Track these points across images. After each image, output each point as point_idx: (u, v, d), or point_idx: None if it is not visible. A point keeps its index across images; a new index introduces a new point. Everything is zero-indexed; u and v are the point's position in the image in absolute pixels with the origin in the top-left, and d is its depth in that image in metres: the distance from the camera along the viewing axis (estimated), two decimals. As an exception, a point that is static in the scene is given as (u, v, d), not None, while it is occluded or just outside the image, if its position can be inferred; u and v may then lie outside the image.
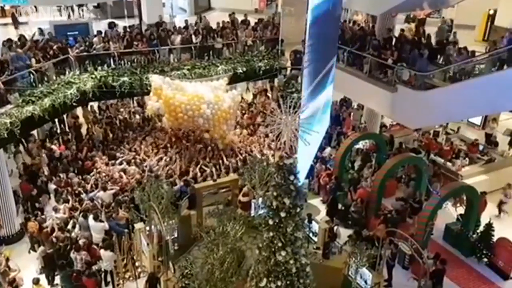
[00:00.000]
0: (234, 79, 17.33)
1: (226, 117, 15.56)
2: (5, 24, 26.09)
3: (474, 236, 12.99)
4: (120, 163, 14.86)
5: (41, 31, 17.30)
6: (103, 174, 14.25)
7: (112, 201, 12.94)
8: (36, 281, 10.57)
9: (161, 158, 15.15)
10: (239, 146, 16.04)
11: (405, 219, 13.62)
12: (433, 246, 12.70)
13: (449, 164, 16.17)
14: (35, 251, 12.29)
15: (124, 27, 17.73)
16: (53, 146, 15.97)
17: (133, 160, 14.93)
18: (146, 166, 14.60)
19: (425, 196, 14.49)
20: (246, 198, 11.91)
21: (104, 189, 13.29)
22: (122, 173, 14.26)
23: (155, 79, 15.32)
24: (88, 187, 13.73)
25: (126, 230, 12.05)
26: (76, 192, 13.48)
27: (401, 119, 15.31)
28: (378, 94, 14.52)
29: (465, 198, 13.55)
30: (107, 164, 14.86)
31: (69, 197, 13.18)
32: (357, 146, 16.85)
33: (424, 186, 14.63)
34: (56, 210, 12.65)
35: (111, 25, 17.35)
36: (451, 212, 14.38)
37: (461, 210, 13.96)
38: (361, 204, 13.84)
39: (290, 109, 6.14)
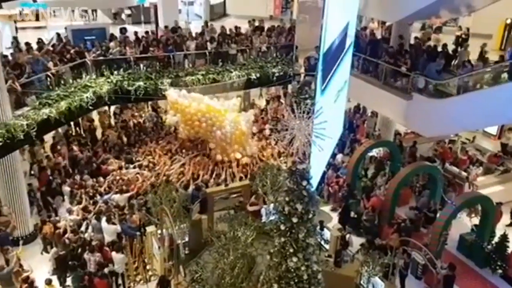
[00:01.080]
0: (247, 85, 17.38)
1: (242, 140, 15.57)
2: (38, 27, 26.58)
3: (489, 247, 12.77)
4: (134, 167, 14.97)
5: (58, 36, 17.57)
6: (118, 177, 14.35)
7: (126, 204, 13.03)
8: (48, 282, 10.64)
9: (173, 162, 15.22)
10: (260, 157, 15.88)
11: (418, 229, 13.45)
12: (447, 257, 12.50)
13: (464, 174, 15.96)
14: (47, 252, 12.39)
15: (135, 32, 17.91)
16: (74, 147, 16.19)
17: (149, 164, 15.03)
18: (160, 170, 14.67)
19: (439, 206, 14.30)
20: (254, 208, 11.87)
21: (121, 192, 13.39)
22: (138, 176, 14.37)
23: (170, 94, 15.44)
24: (102, 189, 13.84)
25: (138, 233, 12.10)
26: (91, 194, 13.59)
27: (415, 127, 15.20)
28: (393, 102, 14.43)
29: (480, 208, 13.35)
30: (120, 168, 14.97)
31: (83, 199, 13.29)
32: (370, 154, 16.71)
33: (438, 196, 14.44)
34: (70, 212, 12.77)
35: (122, 31, 17.57)
36: (465, 222, 14.16)
37: (476, 220, 13.75)
38: (373, 213, 13.71)
39: (304, 114, 6.13)
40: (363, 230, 13.65)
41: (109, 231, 12.03)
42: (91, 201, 13.29)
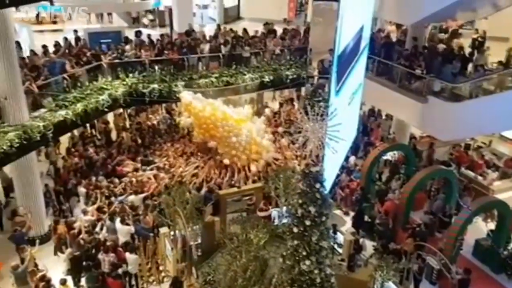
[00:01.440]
0: (260, 87, 17.41)
1: (258, 152, 15.53)
2: (55, 31, 27.00)
3: (505, 252, 12.56)
4: (151, 169, 15.08)
5: (75, 32, 17.81)
6: (134, 179, 14.46)
7: (141, 205, 13.12)
8: (63, 282, 10.75)
9: (188, 164, 15.28)
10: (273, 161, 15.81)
11: (433, 233, 13.28)
12: (462, 262, 12.31)
13: (480, 178, 15.74)
14: (62, 252, 12.53)
15: (148, 35, 18.04)
16: (90, 149, 16.40)
17: (164, 166, 15.16)
18: (174, 172, 14.73)
19: (455, 210, 14.11)
20: (264, 213, 11.82)
21: (135, 193, 13.49)
22: (153, 177, 14.49)
23: (184, 96, 15.51)
24: (117, 190, 13.96)
25: (151, 234, 12.17)
26: (106, 194, 13.71)
27: (431, 130, 15.06)
28: (408, 105, 14.33)
29: (496, 213, 13.14)
30: (136, 169, 15.09)
31: (99, 199, 13.42)
32: (385, 157, 16.57)
33: (454, 200, 14.26)
34: (85, 212, 12.90)
35: (138, 34, 17.76)
36: (481, 227, 13.94)
37: (492, 225, 13.54)
38: (387, 217, 13.57)
39: (317, 117, 6.11)
40: (377, 234, 13.53)
41: (123, 231, 12.12)
42: (106, 202, 13.41)
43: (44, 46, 15.69)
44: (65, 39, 17.28)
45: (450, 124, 13.47)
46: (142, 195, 13.46)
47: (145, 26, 29.43)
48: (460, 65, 14.54)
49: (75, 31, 18.03)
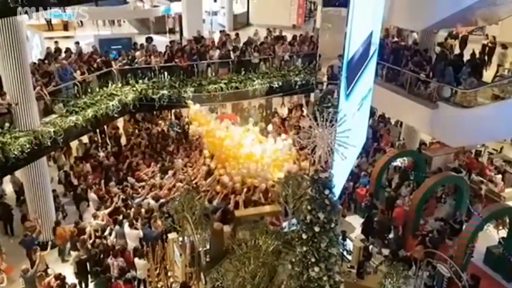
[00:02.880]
0: (269, 93, 17.44)
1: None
2: (67, 37, 27.27)
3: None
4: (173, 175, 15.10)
5: (77, 44, 17.92)
6: (155, 184, 14.58)
7: (157, 210, 13.17)
8: (73, 286, 10.81)
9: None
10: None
11: (444, 240, 13.14)
12: (473, 269, 12.15)
13: (491, 185, 15.56)
14: (69, 254, 12.65)
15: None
16: (100, 154, 16.58)
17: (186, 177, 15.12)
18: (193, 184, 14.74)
19: (465, 217, 13.96)
20: (275, 228, 11.73)
21: (154, 198, 13.55)
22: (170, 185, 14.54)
23: (192, 107, 15.51)
24: (137, 193, 14.16)
25: (160, 240, 12.19)
26: (123, 197, 13.80)
27: (441, 136, 14.96)
28: (418, 111, 14.25)
29: (507, 220, 12.97)
30: (153, 175, 15.19)
31: (116, 201, 13.55)
32: (395, 164, 16.45)
33: (464, 206, 14.10)
34: (95, 216, 12.98)
35: (148, 40, 17.90)
36: (492, 234, 13.76)
37: (503, 233, 13.36)
38: (397, 224, 13.46)
39: (326, 123, 6.09)
40: (386, 241, 13.43)
41: (132, 236, 12.18)
42: (122, 204, 13.52)
43: (57, 51, 15.87)
44: (77, 43, 17.46)
45: (460, 130, 13.36)
46: (160, 201, 13.44)
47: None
48: (471, 71, 14.46)
49: (77, 43, 18.03)
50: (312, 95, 20.04)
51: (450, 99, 13.80)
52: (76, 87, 14.26)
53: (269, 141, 16.15)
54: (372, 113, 18.90)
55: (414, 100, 14.46)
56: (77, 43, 17.59)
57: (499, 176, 15.88)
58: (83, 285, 11.83)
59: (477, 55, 17.72)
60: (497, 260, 12.67)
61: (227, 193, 13.91)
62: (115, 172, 15.57)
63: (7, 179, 15.42)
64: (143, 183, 14.76)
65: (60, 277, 11.03)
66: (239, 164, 14.55)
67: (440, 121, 13.65)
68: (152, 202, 13.50)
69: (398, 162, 16.66)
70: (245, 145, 15.07)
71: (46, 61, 14.94)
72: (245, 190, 13.84)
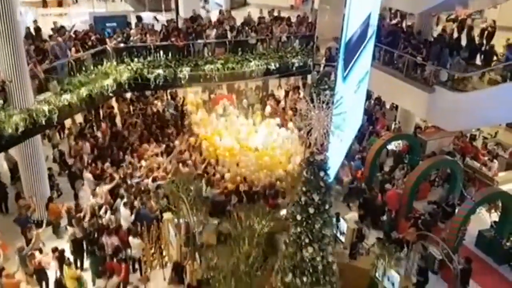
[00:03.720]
0: (266, 74, 17.30)
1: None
2: (60, 15, 26.82)
3: (508, 243, 12.55)
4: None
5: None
6: (155, 164, 14.58)
7: (154, 190, 13.20)
8: (68, 263, 10.87)
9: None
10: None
11: (436, 223, 13.29)
12: (464, 252, 12.31)
13: (484, 169, 15.68)
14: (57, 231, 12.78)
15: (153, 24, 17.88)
16: (98, 133, 16.55)
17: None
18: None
19: (458, 201, 14.10)
20: None
21: (153, 179, 13.54)
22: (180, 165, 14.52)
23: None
24: (136, 173, 14.17)
25: (154, 220, 12.24)
26: (122, 176, 13.83)
27: (437, 121, 14.98)
28: (414, 94, 14.23)
29: (500, 204, 13.11)
30: (156, 155, 15.22)
31: (115, 179, 13.56)
32: (389, 147, 16.51)
33: (458, 190, 14.23)
34: (94, 195, 13.02)
35: (139, 19, 17.65)
36: (485, 218, 13.93)
37: (495, 216, 13.51)
38: (390, 207, 13.56)
39: (323, 105, 6.07)
40: (380, 224, 13.56)
41: (125, 216, 12.23)
42: (121, 182, 13.57)
43: (54, 29, 15.62)
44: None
45: (456, 114, 13.37)
46: (160, 182, 13.41)
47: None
48: (469, 55, 14.42)
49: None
50: (309, 77, 19.95)
51: (446, 83, 13.78)
52: (70, 65, 14.06)
53: (275, 132, 16.34)
54: (368, 96, 18.88)
55: (411, 84, 14.42)
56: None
57: (496, 162, 15.95)
58: (79, 263, 11.90)
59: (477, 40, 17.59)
60: (489, 244, 12.85)
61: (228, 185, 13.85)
62: (116, 151, 15.57)
63: (0, 157, 15.38)
64: (143, 163, 14.73)
65: (58, 250, 11.12)
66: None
67: (436, 105, 13.64)
68: (150, 182, 13.50)
69: (392, 146, 16.73)
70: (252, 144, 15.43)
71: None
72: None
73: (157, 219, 12.34)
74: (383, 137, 15.70)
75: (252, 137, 16.17)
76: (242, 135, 16.24)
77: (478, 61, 15.31)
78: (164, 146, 15.70)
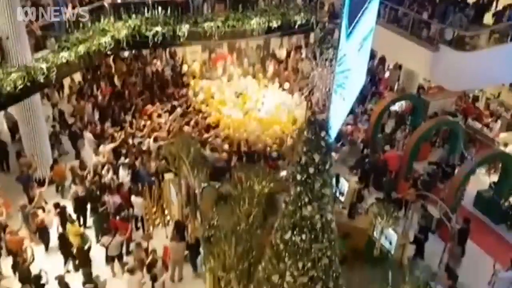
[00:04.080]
0: (267, 33, 16.90)
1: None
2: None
3: (506, 204, 12.67)
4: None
5: None
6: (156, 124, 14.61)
7: (155, 151, 13.23)
8: (71, 221, 11.02)
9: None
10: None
11: (436, 183, 13.35)
12: (462, 212, 12.47)
13: (486, 130, 15.62)
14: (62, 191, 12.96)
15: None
16: (99, 94, 16.41)
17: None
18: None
19: (458, 162, 14.12)
20: None
21: (155, 140, 13.53)
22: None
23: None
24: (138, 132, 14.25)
25: (153, 179, 12.29)
26: (124, 136, 13.85)
27: (441, 80, 14.77)
28: (418, 54, 13.96)
29: (500, 165, 13.13)
30: (159, 115, 15.20)
31: (117, 139, 13.65)
32: (393, 108, 16.30)
33: (458, 151, 14.21)
34: (96, 154, 13.06)
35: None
36: (484, 179, 13.99)
37: (495, 177, 13.57)
38: (389, 167, 13.58)
39: (326, 63, 5.92)
40: (379, 184, 13.61)
41: (122, 175, 12.33)
42: (124, 141, 13.64)
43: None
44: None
45: (460, 73, 13.17)
46: (161, 143, 13.36)
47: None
48: (475, 14, 14.05)
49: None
50: (312, 35, 19.52)
51: (451, 42, 13.49)
52: (67, 22, 13.72)
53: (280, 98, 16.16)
54: (372, 56, 18.55)
55: (415, 42, 14.12)
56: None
57: (499, 122, 15.84)
58: (82, 221, 12.05)
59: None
60: (487, 204, 12.97)
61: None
62: (117, 111, 15.53)
63: (1, 115, 15.31)
64: (145, 122, 14.72)
65: (60, 206, 11.26)
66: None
67: (440, 64, 13.42)
68: (151, 142, 13.49)
69: (396, 107, 16.54)
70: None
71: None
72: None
73: (158, 179, 12.42)
74: (386, 98, 15.53)
75: (257, 105, 15.99)
76: (247, 103, 16.04)
77: (485, 21, 14.95)
78: (169, 105, 15.62)
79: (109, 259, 10.84)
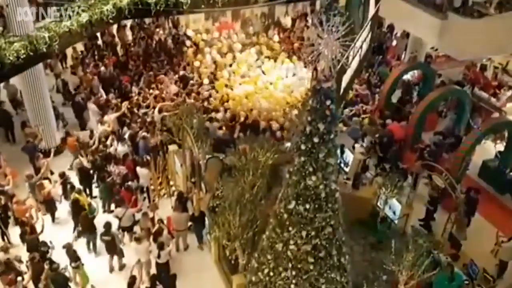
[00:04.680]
0: (272, 0, 16.51)
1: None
2: None
3: (511, 173, 12.62)
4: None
5: None
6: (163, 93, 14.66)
7: (159, 122, 13.23)
8: (78, 191, 11.13)
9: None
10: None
11: (441, 154, 13.26)
12: (467, 182, 12.42)
13: (493, 99, 15.42)
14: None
15: None
16: (102, 68, 16.24)
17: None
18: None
19: (464, 132, 14.00)
20: None
21: (160, 110, 13.51)
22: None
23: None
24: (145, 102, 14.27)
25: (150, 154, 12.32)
26: (128, 107, 13.89)
27: (449, 49, 14.51)
28: (427, 21, 13.66)
29: (506, 134, 13.00)
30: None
31: (123, 106, 13.68)
32: (404, 77, 15.97)
33: (464, 121, 14.07)
34: (101, 122, 13.10)
35: None
36: (490, 148, 13.88)
37: (501, 147, 13.47)
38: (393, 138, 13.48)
39: (332, 28, 5.76)
40: (384, 155, 13.51)
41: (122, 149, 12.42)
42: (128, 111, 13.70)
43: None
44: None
45: (469, 42, 12.89)
46: (165, 114, 13.33)
47: None
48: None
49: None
50: (317, 2, 19.10)
51: (460, 10, 13.18)
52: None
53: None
54: (380, 24, 18.19)
55: (424, 10, 13.78)
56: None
57: (509, 92, 15.59)
58: (88, 191, 12.15)
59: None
60: (492, 173, 12.92)
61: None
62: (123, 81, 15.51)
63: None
64: (153, 92, 14.73)
65: (64, 176, 11.39)
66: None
67: (449, 33, 13.13)
68: (156, 113, 13.47)
69: (408, 76, 16.19)
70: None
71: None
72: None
73: (163, 151, 12.44)
74: (399, 68, 15.26)
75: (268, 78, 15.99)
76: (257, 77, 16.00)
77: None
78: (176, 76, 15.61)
79: (122, 229, 10.84)
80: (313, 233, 6.69)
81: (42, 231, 10.13)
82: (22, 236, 10.34)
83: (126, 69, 16.38)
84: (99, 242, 10.55)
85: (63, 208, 11.60)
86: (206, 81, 15.74)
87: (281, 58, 17.06)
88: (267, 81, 15.93)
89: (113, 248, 10.18)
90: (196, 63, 16.64)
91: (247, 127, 13.28)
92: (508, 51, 16.34)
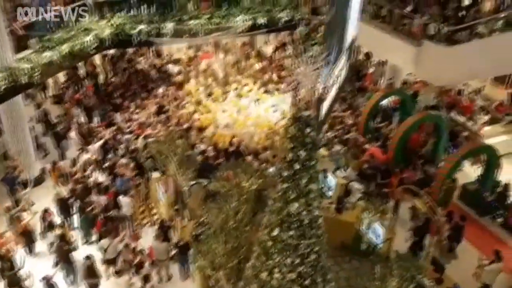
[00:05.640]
0: (253, 30, 16.85)
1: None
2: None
3: (490, 197, 12.84)
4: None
5: None
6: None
7: (142, 150, 13.21)
8: (61, 225, 10.95)
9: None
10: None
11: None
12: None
13: (469, 123, 15.80)
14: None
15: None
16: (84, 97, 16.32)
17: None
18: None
19: (443, 155, 14.25)
20: None
21: (145, 137, 13.57)
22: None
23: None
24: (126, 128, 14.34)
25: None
26: (114, 133, 13.95)
27: (425, 75, 14.92)
28: (403, 49, 14.10)
29: (484, 158, 13.29)
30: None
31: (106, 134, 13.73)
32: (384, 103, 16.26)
33: (442, 147, 14.32)
34: (85, 150, 13.04)
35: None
36: (469, 172, 14.14)
37: (480, 171, 13.72)
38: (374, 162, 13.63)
39: (310, 59, 5.93)
40: (366, 179, 13.64)
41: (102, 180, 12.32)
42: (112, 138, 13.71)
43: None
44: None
45: (445, 68, 13.32)
46: (149, 140, 13.36)
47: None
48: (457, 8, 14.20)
49: None
50: (297, 30, 19.49)
51: (434, 37, 13.65)
52: (50, 21, 13.51)
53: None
54: (357, 51, 18.65)
55: (400, 38, 14.25)
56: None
57: (486, 116, 16.03)
58: (67, 222, 11.91)
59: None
60: (472, 196, 13.11)
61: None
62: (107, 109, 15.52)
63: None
64: (134, 121, 14.78)
65: (46, 212, 11.23)
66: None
67: (424, 59, 13.57)
68: (139, 140, 13.51)
69: (386, 101, 16.49)
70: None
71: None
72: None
73: (146, 177, 12.38)
74: (377, 94, 15.60)
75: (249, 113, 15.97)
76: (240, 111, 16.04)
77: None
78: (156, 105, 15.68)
79: (106, 262, 10.48)
80: (297, 260, 6.69)
81: (22, 267, 9.86)
82: (2, 272, 10.03)
83: (110, 97, 16.35)
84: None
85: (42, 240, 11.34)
86: (191, 108, 15.82)
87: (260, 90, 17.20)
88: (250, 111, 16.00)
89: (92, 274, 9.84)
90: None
91: (231, 154, 13.33)
92: (483, 77, 16.92)
